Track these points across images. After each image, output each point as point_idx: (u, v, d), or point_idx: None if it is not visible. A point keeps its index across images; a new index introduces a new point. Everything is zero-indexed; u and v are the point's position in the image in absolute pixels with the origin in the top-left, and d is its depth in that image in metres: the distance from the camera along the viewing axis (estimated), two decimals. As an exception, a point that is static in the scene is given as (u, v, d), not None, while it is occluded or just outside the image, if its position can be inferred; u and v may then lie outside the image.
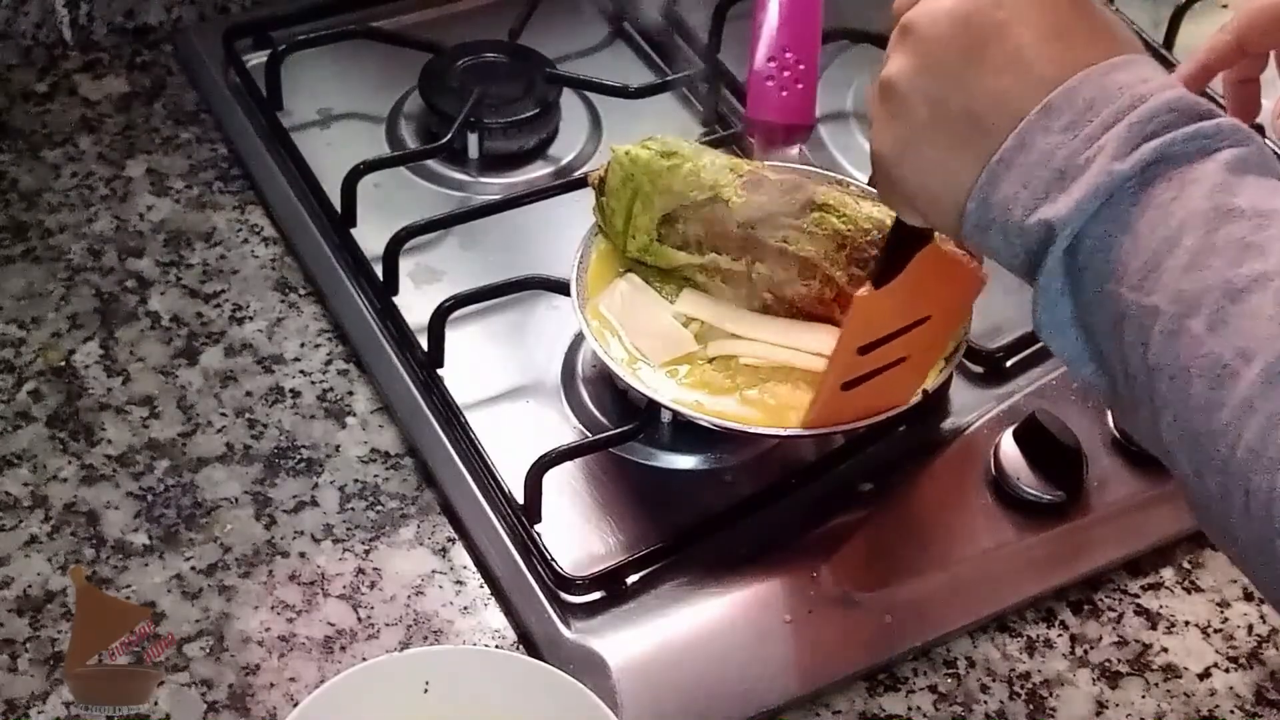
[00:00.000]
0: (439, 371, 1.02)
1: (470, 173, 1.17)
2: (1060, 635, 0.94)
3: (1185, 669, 0.92)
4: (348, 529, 0.95)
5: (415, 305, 1.05)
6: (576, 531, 0.95)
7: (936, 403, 1.02)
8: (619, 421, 1.00)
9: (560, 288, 1.01)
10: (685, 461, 1.00)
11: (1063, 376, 1.05)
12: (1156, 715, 0.90)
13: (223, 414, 1.01)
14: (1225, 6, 1.37)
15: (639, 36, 1.29)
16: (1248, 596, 0.96)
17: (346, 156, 1.12)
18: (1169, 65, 1.27)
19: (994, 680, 0.91)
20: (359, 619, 0.91)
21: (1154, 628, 0.94)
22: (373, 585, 0.93)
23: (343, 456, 0.99)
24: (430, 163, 1.17)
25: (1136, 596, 0.96)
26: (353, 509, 0.96)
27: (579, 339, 1.04)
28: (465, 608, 0.92)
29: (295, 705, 0.81)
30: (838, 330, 0.97)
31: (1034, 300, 0.69)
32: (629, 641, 0.90)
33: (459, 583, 0.93)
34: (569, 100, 1.22)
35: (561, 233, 1.06)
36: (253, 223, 1.13)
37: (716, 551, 0.94)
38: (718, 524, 0.95)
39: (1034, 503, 0.97)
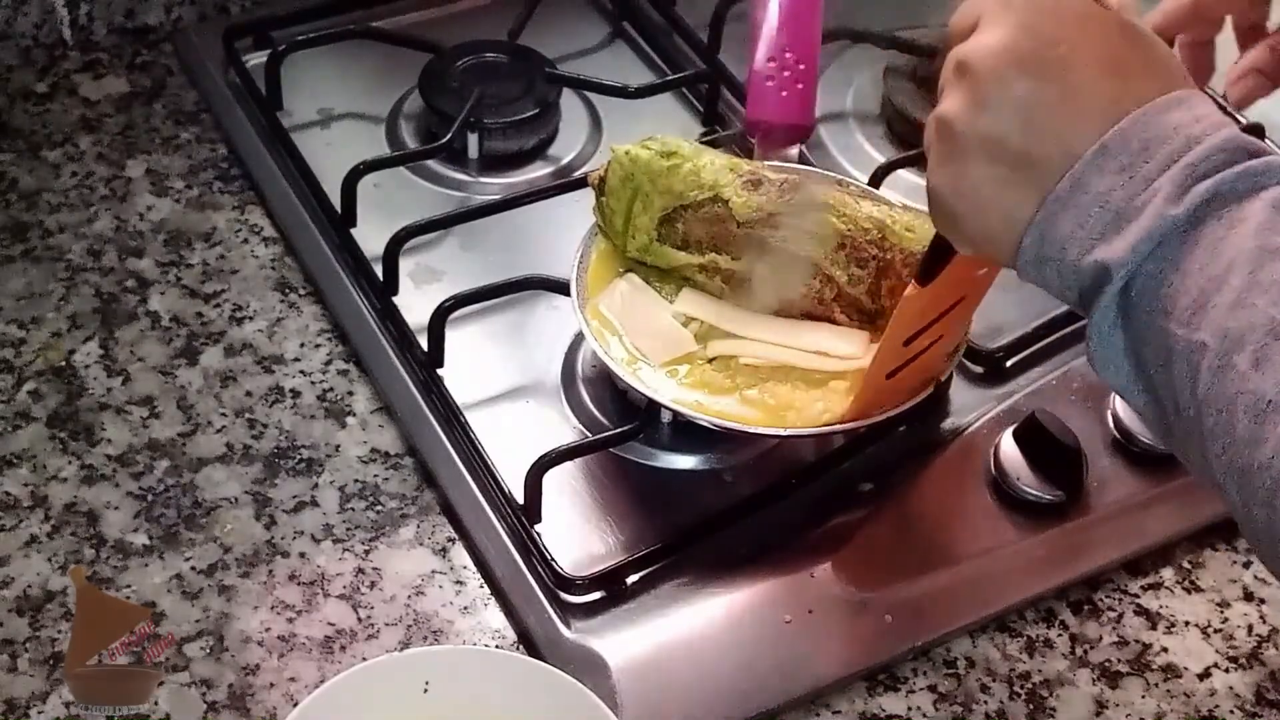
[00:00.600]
0: (439, 371, 1.02)
1: (470, 173, 1.17)
2: (1060, 635, 0.94)
3: (1185, 669, 0.92)
4: (348, 529, 0.95)
5: (415, 305, 1.05)
6: (576, 531, 0.95)
7: (936, 403, 1.02)
8: (619, 421, 1.00)
9: (560, 288, 1.01)
10: (685, 461, 1.00)
11: (1063, 376, 1.05)
12: (1156, 715, 0.90)
13: (223, 414, 1.01)
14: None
15: (639, 36, 1.29)
16: (1248, 597, 0.96)
17: (346, 156, 1.12)
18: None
19: (994, 680, 0.91)
20: (359, 619, 0.91)
21: (1154, 628, 0.94)
22: (373, 585, 0.93)
23: (343, 456, 0.99)
24: (430, 163, 1.17)
25: (1136, 596, 0.96)
26: (353, 509, 0.96)
27: (579, 339, 1.04)
28: (465, 608, 0.92)
29: (295, 705, 0.81)
30: (838, 330, 0.97)
31: (1088, 333, 0.70)
32: (629, 641, 0.90)
33: (459, 583, 0.93)
34: (569, 100, 1.22)
35: (561, 233, 1.06)
36: (253, 223, 1.13)
37: (716, 551, 0.94)
38: (718, 524, 0.95)
39: (1034, 503, 0.97)
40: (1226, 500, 0.66)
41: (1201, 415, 0.65)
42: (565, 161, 1.19)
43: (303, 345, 1.05)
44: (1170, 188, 0.67)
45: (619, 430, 0.98)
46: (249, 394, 1.02)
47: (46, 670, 0.87)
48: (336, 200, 1.11)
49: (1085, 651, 0.93)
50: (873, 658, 0.91)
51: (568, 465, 0.96)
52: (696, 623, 0.92)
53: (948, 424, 1.02)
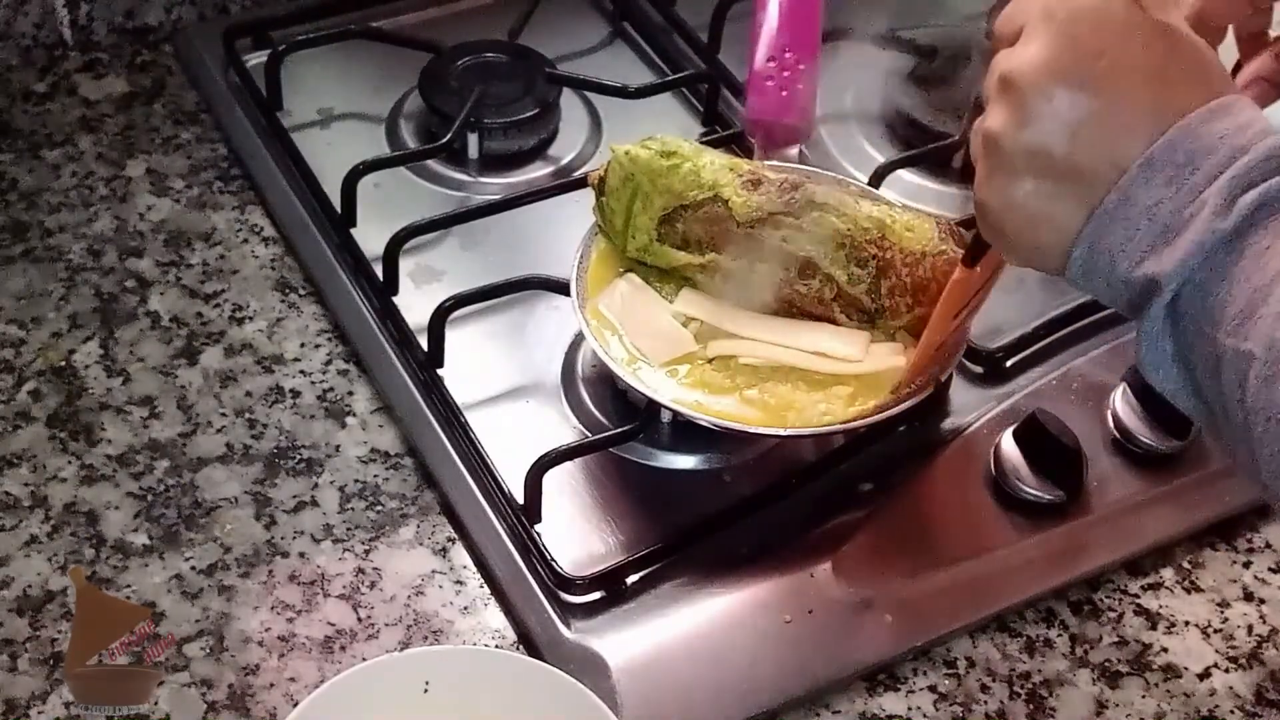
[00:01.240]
0: (439, 371, 1.02)
1: (470, 173, 1.17)
2: (1060, 635, 0.94)
3: (1185, 669, 0.92)
4: (348, 529, 0.95)
5: (415, 305, 1.05)
6: (576, 531, 0.95)
7: (936, 403, 1.02)
8: (619, 421, 1.00)
9: (560, 288, 1.01)
10: (685, 461, 1.00)
11: (1063, 376, 1.05)
12: (1156, 715, 0.90)
13: (223, 414, 1.01)
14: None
15: (639, 36, 1.29)
16: (1247, 597, 0.96)
17: (346, 156, 1.12)
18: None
19: (994, 680, 0.91)
20: (359, 619, 0.91)
21: (1154, 628, 0.94)
22: (373, 585, 0.93)
23: (343, 456, 0.99)
24: (430, 163, 1.17)
25: (1136, 596, 0.96)
26: (353, 509, 0.96)
27: (579, 339, 1.04)
28: (465, 608, 0.92)
29: (295, 705, 0.81)
30: (838, 330, 0.97)
31: (1137, 339, 0.71)
32: (629, 641, 0.90)
33: (459, 583, 0.93)
34: (569, 100, 1.22)
35: (561, 233, 1.06)
36: (253, 223, 1.13)
37: (716, 551, 0.94)
38: (718, 524, 0.95)
39: (1034, 503, 0.97)
40: (1274, 501, 0.68)
41: (1250, 422, 0.66)
42: (565, 161, 1.19)
43: (303, 345, 1.05)
44: (1218, 200, 0.67)
45: (619, 430, 0.98)
46: (249, 394, 1.02)
47: (46, 670, 0.87)
48: (336, 200, 1.11)
49: (1085, 651, 0.93)
50: (873, 658, 0.91)
51: (568, 465, 0.96)
52: (696, 623, 0.92)
53: (948, 424, 1.02)
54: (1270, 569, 0.98)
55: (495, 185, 1.16)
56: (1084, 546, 0.97)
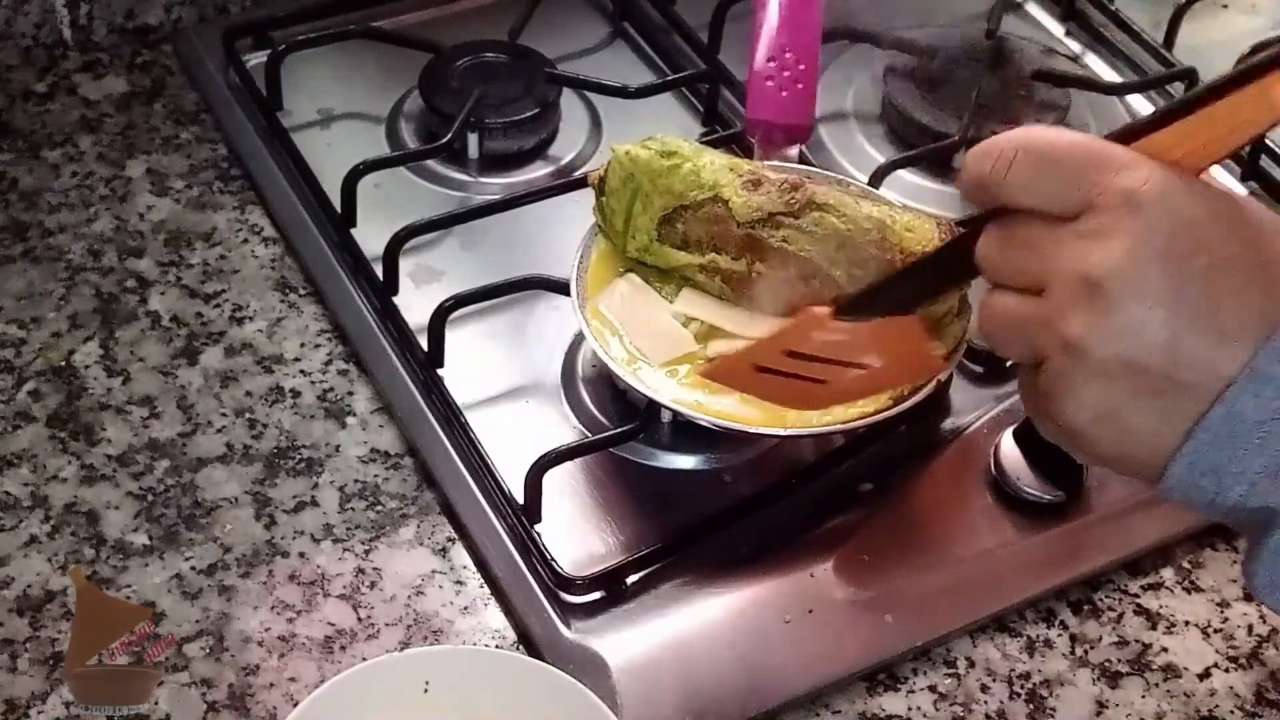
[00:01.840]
0: (439, 371, 1.02)
1: (470, 173, 1.17)
2: (1060, 635, 0.94)
3: (1185, 669, 0.93)
4: (348, 529, 0.95)
5: (415, 305, 1.05)
6: (576, 531, 0.95)
7: (936, 403, 1.02)
8: (619, 421, 1.00)
9: (560, 288, 1.01)
10: (685, 461, 1.00)
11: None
12: (1156, 715, 0.90)
13: (223, 414, 1.01)
14: (1225, 7, 1.37)
15: (639, 36, 1.29)
16: (1248, 597, 0.96)
17: (346, 156, 1.12)
18: (1168, 64, 1.28)
19: (994, 680, 0.91)
20: (359, 619, 0.91)
21: (1154, 628, 0.94)
22: (373, 585, 0.93)
23: (343, 456, 0.99)
24: (430, 163, 1.17)
25: (1136, 596, 0.96)
26: (353, 509, 0.96)
27: (579, 339, 1.04)
28: (465, 608, 0.92)
29: (295, 705, 0.81)
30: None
31: (1253, 565, 0.67)
32: (629, 641, 0.90)
33: (459, 583, 0.93)
34: (569, 100, 1.22)
35: (561, 233, 1.06)
36: (253, 223, 1.13)
37: (716, 551, 0.94)
38: (718, 524, 0.95)
39: (1034, 503, 0.97)
40: None
41: None
42: (565, 161, 1.19)
43: (303, 345, 1.05)
44: None
45: (619, 430, 0.98)
46: (249, 394, 1.02)
47: (46, 670, 0.87)
48: (336, 200, 1.11)
49: (1085, 651, 0.93)
50: (873, 658, 0.91)
51: (568, 465, 0.96)
52: (696, 623, 0.92)
53: (948, 424, 1.02)
54: (1270, 569, 0.98)
55: (495, 185, 1.16)
56: (1084, 546, 0.97)
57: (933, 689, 0.91)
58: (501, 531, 0.95)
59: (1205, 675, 0.92)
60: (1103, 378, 0.67)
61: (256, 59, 1.23)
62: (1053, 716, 0.90)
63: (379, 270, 1.07)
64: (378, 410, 1.02)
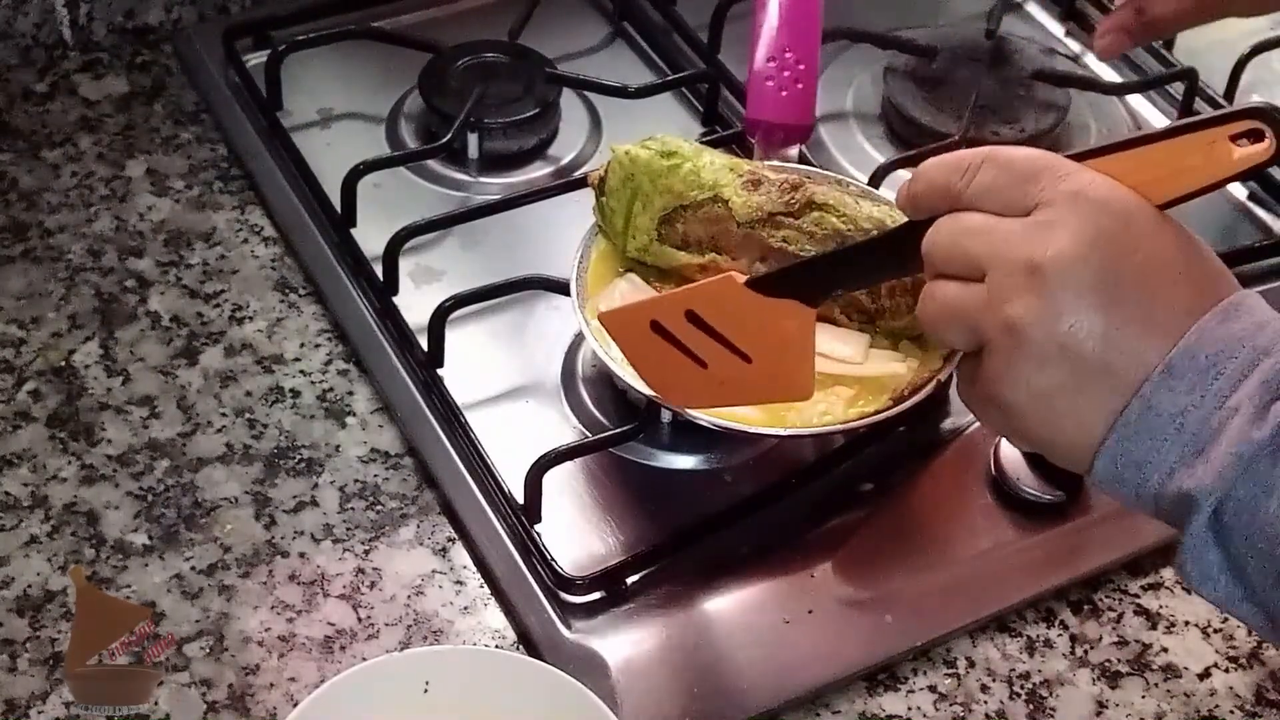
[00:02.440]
0: (439, 371, 1.02)
1: (470, 173, 1.17)
2: (1060, 635, 0.94)
3: (1185, 669, 0.92)
4: (348, 529, 0.95)
5: (415, 305, 1.05)
6: (576, 531, 0.95)
7: (936, 403, 1.02)
8: (619, 421, 1.00)
9: (560, 288, 1.01)
10: (685, 461, 1.00)
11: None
12: (1156, 715, 0.90)
13: (223, 414, 1.01)
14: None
15: (639, 36, 1.29)
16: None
17: (346, 156, 1.12)
18: (1168, 64, 1.28)
19: (994, 680, 0.91)
20: (359, 619, 0.91)
21: (1154, 628, 0.94)
22: (373, 585, 0.93)
23: (343, 456, 0.99)
24: (430, 163, 1.17)
25: (1136, 596, 0.96)
26: (353, 509, 0.96)
27: (579, 339, 1.04)
28: (465, 608, 0.92)
29: (295, 705, 0.81)
30: (837, 331, 0.97)
31: (1179, 553, 0.69)
32: (629, 641, 0.90)
33: (459, 583, 0.93)
34: (569, 100, 1.22)
35: (561, 233, 1.06)
36: (253, 223, 1.13)
37: (716, 551, 0.94)
38: (718, 524, 0.95)
39: (1034, 503, 0.97)
40: None
41: None
42: (565, 161, 1.19)
43: (303, 345, 1.05)
44: (1251, 407, 0.65)
45: (619, 430, 0.98)
46: (249, 394, 1.02)
47: (46, 670, 0.87)
48: (336, 200, 1.11)
49: (1085, 651, 0.93)
50: (873, 658, 0.91)
51: (568, 465, 0.96)
52: (696, 623, 0.92)
53: (948, 424, 1.02)
54: (1270, 569, 0.98)
55: (495, 185, 1.16)
56: (1084, 546, 0.97)
57: (933, 689, 0.91)
58: (501, 531, 0.95)
59: (1205, 675, 0.92)
60: (1040, 359, 0.69)
61: (256, 59, 1.23)
62: (1053, 716, 0.90)
63: (379, 270, 1.07)
64: (378, 410, 1.02)
